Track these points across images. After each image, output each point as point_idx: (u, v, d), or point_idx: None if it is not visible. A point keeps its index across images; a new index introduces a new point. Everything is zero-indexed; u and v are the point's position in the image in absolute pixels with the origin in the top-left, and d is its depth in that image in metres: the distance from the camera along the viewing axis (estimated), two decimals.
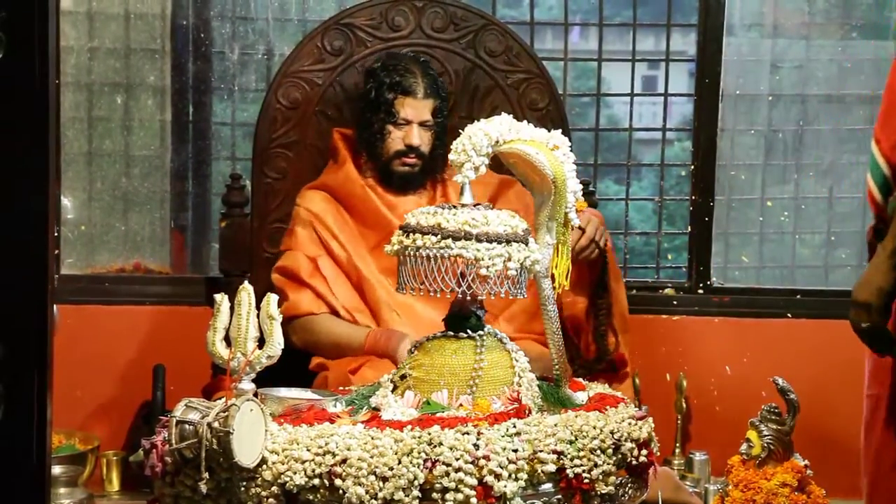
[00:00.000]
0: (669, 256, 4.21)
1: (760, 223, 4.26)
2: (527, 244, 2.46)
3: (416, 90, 3.26)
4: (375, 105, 3.27)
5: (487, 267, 2.40)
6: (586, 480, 2.32)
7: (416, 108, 3.26)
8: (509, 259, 2.42)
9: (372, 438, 2.30)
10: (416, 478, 2.25)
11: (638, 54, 4.11)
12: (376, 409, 2.52)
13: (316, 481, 2.27)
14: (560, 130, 2.65)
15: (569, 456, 2.32)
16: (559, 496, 2.33)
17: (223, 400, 2.28)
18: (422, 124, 3.26)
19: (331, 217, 3.29)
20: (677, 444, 3.84)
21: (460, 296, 2.47)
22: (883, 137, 2.11)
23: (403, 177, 3.29)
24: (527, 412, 2.42)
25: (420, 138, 3.25)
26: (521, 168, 2.60)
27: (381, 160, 3.29)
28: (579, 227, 2.98)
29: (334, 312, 3.21)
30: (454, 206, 2.49)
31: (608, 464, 2.36)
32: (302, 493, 2.28)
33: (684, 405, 3.84)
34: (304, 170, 3.51)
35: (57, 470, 3.38)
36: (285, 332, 3.12)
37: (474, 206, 2.50)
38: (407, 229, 2.48)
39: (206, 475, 2.23)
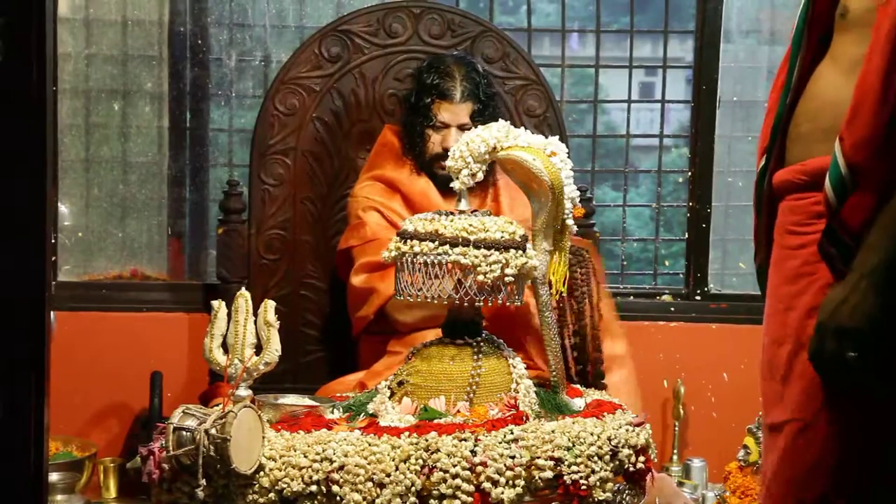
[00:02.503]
0: (667, 263, 4.21)
1: None
2: (524, 251, 2.46)
3: (452, 94, 3.24)
4: (416, 109, 3.28)
5: (485, 273, 2.40)
6: (584, 487, 2.32)
7: (452, 112, 3.24)
8: (507, 265, 2.42)
9: (369, 445, 2.30)
10: (413, 484, 2.25)
11: (635, 61, 4.11)
12: (374, 415, 2.52)
13: (313, 488, 2.27)
14: (557, 137, 2.66)
15: (566, 462, 2.32)
16: (557, 503, 2.33)
17: (220, 406, 2.28)
18: (460, 127, 3.24)
19: (397, 203, 3.27)
20: (675, 451, 3.84)
21: (458, 302, 2.47)
22: (846, 135, 1.90)
23: (445, 179, 3.27)
24: (524, 419, 2.42)
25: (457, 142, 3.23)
26: (518, 174, 2.60)
27: (424, 162, 3.29)
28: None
29: None
30: (451, 213, 2.49)
31: (606, 470, 2.36)
32: (299, 499, 2.28)
33: (682, 412, 3.84)
34: (302, 176, 3.52)
35: (54, 476, 3.37)
36: (390, 316, 3.12)
37: (472, 212, 2.50)
38: (405, 235, 2.48)
39: (203, 482, 2.23)
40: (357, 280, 3.20)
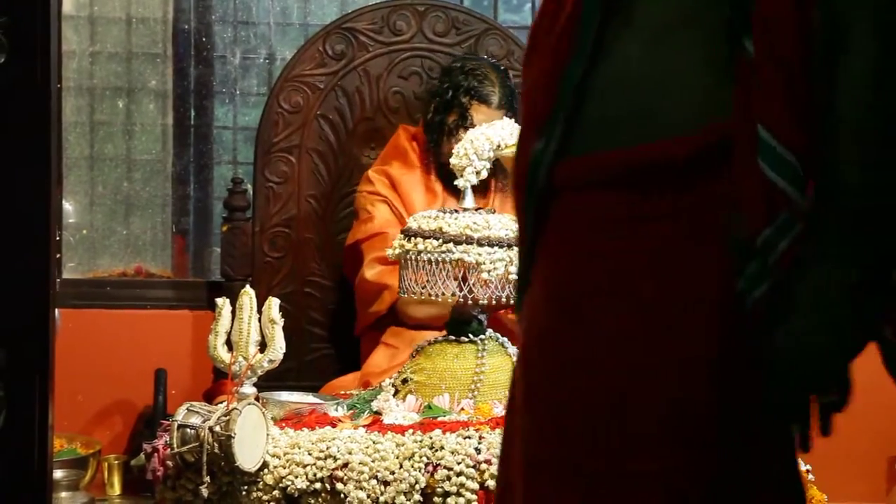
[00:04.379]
0: None
1: None
2: None
3: (491, 99, 3.19)
4: (449, 106, 3.21)
5: (489, 271, 2.40)
6: None
7: (489, 116, 3.14)
8: (511, 263, 2.42)
9: (373, 442, 2.30)
10: (417, 482, 2.25)
11: None
12: (378, 413, 2.52)
13: (317, 485, 2.27)
14: None
15: None
16: None
17: (225, 404, 2.28)
18: None
19: (398, 201, 3.27)
20: None
21: (462, 300, 2.47)
22: (776, 118, 1.46)
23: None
24: None
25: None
26: None
27: (445, 161, 3.25)
28: None
29: None
30: (455, 211, 2.49)
31: None
32: (303, 497, 2.28)
33: None
34: (306, 174, 3.51)
35: (58, 474, 3.37)
36: (400, 311, 3.08)
37: (476, 210, 2.50)
38: (408, 233, 2.48)
39: (207, 479, 2.23)
40: (370, 274, 3.17)
